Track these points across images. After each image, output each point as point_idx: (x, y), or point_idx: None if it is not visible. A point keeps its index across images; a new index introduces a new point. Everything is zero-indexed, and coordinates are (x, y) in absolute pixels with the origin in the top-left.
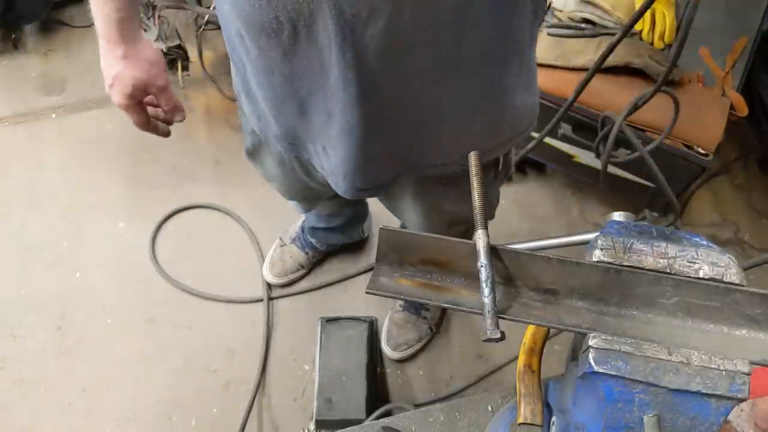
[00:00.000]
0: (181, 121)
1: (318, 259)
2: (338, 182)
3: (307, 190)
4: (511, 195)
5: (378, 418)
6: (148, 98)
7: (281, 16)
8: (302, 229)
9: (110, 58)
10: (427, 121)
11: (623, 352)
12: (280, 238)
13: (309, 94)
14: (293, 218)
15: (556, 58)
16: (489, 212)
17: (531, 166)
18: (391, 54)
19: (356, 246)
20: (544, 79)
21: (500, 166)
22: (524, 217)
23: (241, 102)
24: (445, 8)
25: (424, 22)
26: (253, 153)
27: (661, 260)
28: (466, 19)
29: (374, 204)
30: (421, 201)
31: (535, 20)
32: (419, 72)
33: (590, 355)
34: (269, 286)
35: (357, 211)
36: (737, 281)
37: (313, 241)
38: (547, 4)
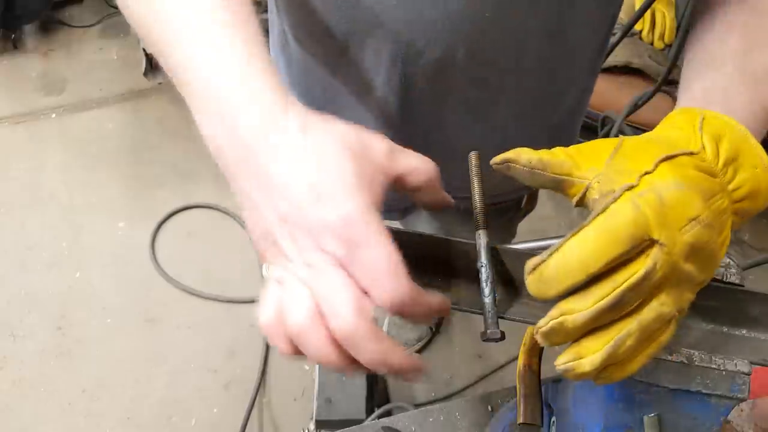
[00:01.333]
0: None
1: None
2: None
3: None
4: None
5: (378, 418)
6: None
7: (334, 28)
8: None
9: (273, 137)
10: (453, 157)
11: None
12: None
13: (345, 108)
14: None
15: None
16: (507, 240)
17: None
18: (437, 86)
19: None
20: None
21: (523, 203)
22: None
23: None
24: (499, 51)
25: (475, 62)
26: None
27: None
28: (519, 64)
29: None
30: (436, 223)
31: (593, 74)
32: (458, 109)
33: None
34: None
35: None
36: (737, 281)
37: None
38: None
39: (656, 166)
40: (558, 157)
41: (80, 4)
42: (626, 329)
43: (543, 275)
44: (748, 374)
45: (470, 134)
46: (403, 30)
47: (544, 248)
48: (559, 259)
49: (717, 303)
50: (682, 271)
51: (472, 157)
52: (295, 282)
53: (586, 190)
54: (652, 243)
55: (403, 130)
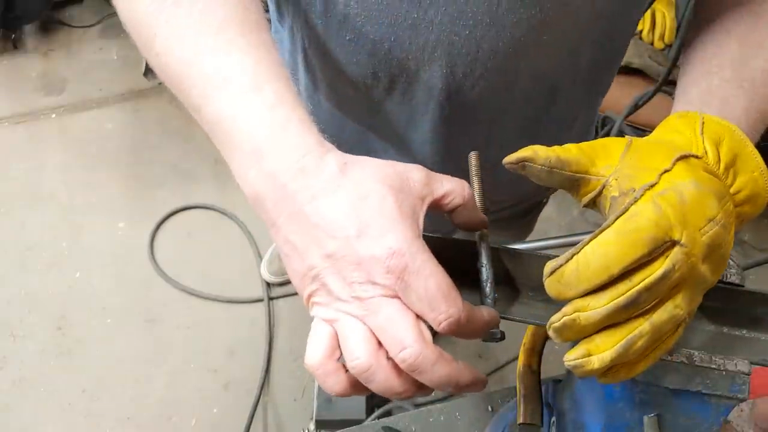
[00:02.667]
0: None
1: None
2: None
3: None
4: None
5: (378, 418)
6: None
7: (380, 71)
8: None
9: (313, 179)
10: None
11: None
12: None
13: (382, 148)
14: None
15: None
16: (526, 235)
17: None
18: (488, 110)
19: None
20: None
21: (545, 200)
22: None
23: None
24: (557, 66)
25: (529, 80)
26: None
27: None
28: (568, 75)
29: None
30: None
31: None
32: (508, 128)
33: None
34: (269, 285)
35: None
36: (737, 281)
37: None
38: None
39: (674, 164)
40: (573, 154)
41: (80, 4)
42: (638, 329)
43: (563, 277)
44: (748, 374)
45: (515, 148)
46: (459, 63)
47: (544, 248)
48: (580, 262)
49: (717, 303)
50: (699, 272)
51: (472, 157)
52: (348, 318)
53: (602, 187)
54: (673, 244)
55: (447, 157)
